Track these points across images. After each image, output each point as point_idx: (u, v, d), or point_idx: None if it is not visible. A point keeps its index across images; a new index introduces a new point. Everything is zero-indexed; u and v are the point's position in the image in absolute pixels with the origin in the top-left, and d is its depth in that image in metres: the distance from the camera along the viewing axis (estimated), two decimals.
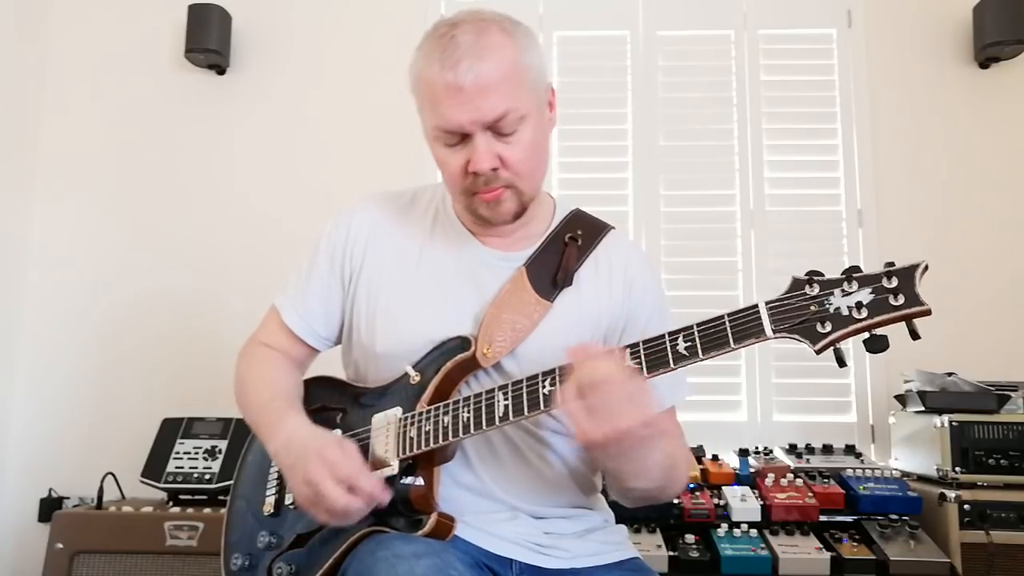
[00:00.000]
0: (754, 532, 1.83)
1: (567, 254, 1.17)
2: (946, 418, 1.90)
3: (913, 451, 2.06)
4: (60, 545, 1.90)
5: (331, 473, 0.97)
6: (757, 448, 2.13)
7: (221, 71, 2.60)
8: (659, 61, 2.57)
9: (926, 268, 0.84)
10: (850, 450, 2.13)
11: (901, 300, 0.83)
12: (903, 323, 0.84)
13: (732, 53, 2.57)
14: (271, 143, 2.58)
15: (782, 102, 2.53)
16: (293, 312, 1.23)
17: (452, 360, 1.09)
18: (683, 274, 2.43)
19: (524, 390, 0.98)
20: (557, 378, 0.96)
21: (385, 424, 1.09)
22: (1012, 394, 1.96)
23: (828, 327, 0.85)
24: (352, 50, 2.62)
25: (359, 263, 1.21)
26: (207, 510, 1.94)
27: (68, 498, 2.35)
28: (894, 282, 0.84)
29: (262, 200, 2.54)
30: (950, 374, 2.03)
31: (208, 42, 2.51)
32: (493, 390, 1.01)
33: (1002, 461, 1.86)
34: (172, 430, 2.14)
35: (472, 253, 1.18)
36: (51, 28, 2.65)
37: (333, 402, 1.19)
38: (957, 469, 1.86)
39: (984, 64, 2.48)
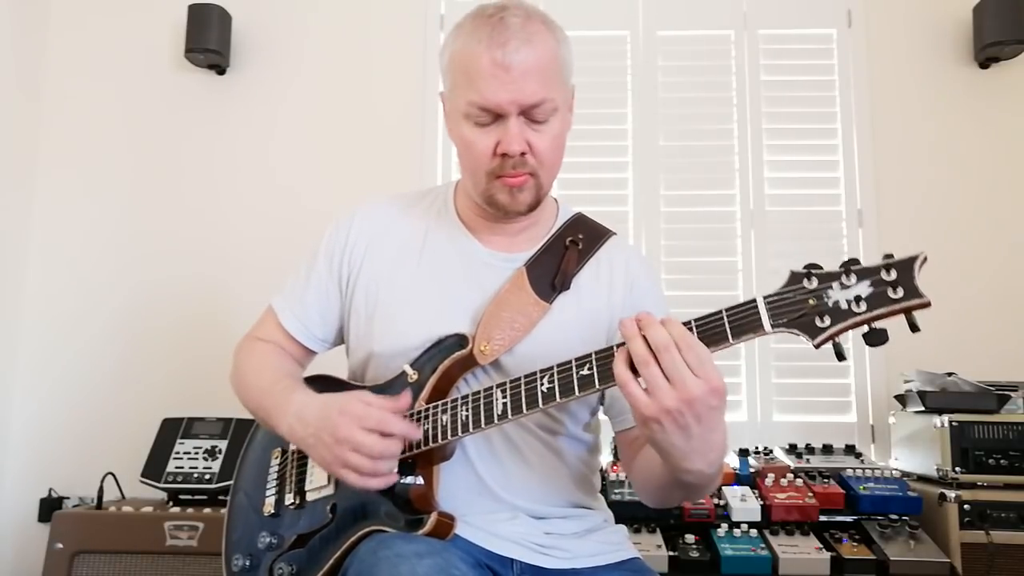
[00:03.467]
0: (754, 532, 1.83)
1: (567, 258, 1.18)
2: (946, 418, 1.90)
3: (913, 451, 2.06)
4: (60, 545, 1.90)
5: (360, 424, 0.98)
6: (757, 448, 2.14)
7: (221, 71, 2.60)
8: (659, 61, 2.57)
9: (925, 260, 0.82)
10: (850, 450, 2.13)
11: (900, 293, 0.81)
12: (903, 316, 0.82)
13: (732, 53, 2.57)
14: (271, 143, 2.58)
15: (782, 102, 2.53)
16: (290, 314, 1.24)
17: (450, 358, 1.09)
18: (683, 274, 2.43)
19: (522, 388, 0.98)
20: (555, 375, 0.95)
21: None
22: (1012, 394, 1.96)
23: (827, 321, 0.84)
24: (352, 49, 2.62)
25: (359, 265, 1.21)
26: (207, 510, 1.94)
27: (68, 498, 2.35)
28: (893, 274, 0.82)
29: (262, 200, 2.54)
30: (950, 374, 2.03)
31: (208, 42, 2.51)
32: (491, 388, 1.01)
33: (1002, 461, 1.86)
34: (172, 430, 2.14)
35: (473, 253, 1.19)
36: (51, 28, 2.65)
37: None
38: (957, 469, 1.86)
39: (984, 64, 2.48)
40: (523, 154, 1.07)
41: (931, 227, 2.42)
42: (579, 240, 1.20)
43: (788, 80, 2.54)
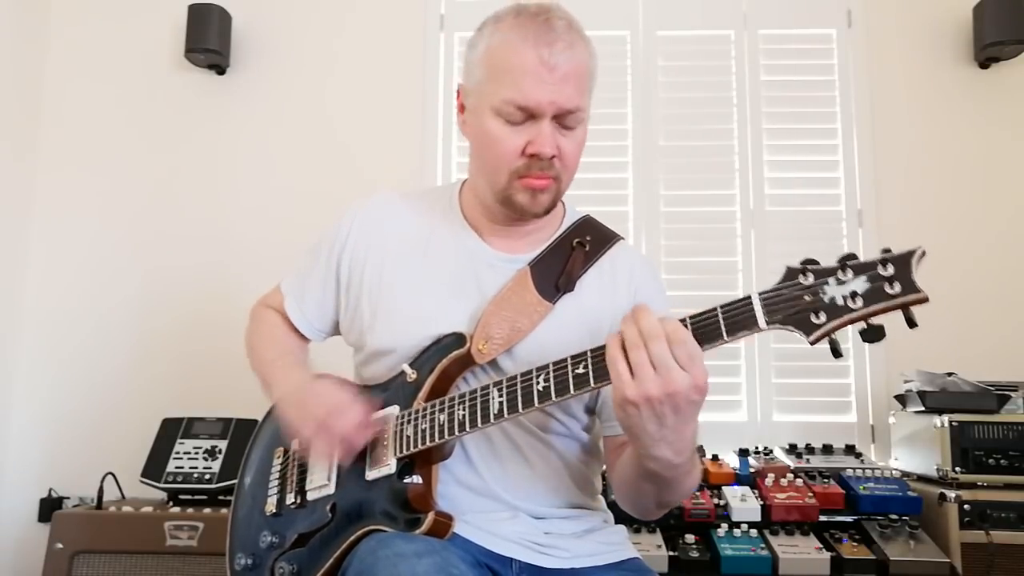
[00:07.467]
0: (754, 532, 1.83)
1: (572, 259, 1.18)
2: (946, 418, 1.89)
3: (913, 451, 2.06)
4: (60, 545, 1.90)
5: (340, 411, 1.06)
6: (757, 448, 2.14)
7: (221, 71, 2.60)
8: (659, 61, 2.57)
9: (923, 254, 0.80)
10: (850, 450, 2.13)
11: (897, 288, 0.80)
12: (900, 312, 0.81)
13: (732, 53, 2.57)
14: (271, 143, 2.58)
15: (782, 102, 2.53)
16: (294, 301, 1.29)
17: (447, 357, 1.09)
18: (683, 274, 2.43)
19: (518, 386, 0.98)
20: (551, 373, 0.95)
21: (383, 423, 1.10)
22: (1012, 394, 1.96)
23: (822, 317, 0.82)
24: (352, 49, 2.62)
25: (361, 260, 1.22)
26: (207, 510, 1.94)
27: (68, 498, 2.35)
28: (890, 269, 0.80)
29: (262, 200, 2.54)
30: (950, 374, 2.03)
31: (208, 42, 2.51)
32: (488, 387, 1.01)
33: (1002, 461, 1.86)
34: (172, 430, 2.14)
35: (476, 253, 1.19)
36: (51, 28, 2.65)
37: None
38: (957, 469, 1.86)
39: (984, 64, 2.48)
40: (552, 157, 1.08)
41: (931, 227, 2.42)
42: (586, 242, 1.20)
43: (788, 80, 2.54)
